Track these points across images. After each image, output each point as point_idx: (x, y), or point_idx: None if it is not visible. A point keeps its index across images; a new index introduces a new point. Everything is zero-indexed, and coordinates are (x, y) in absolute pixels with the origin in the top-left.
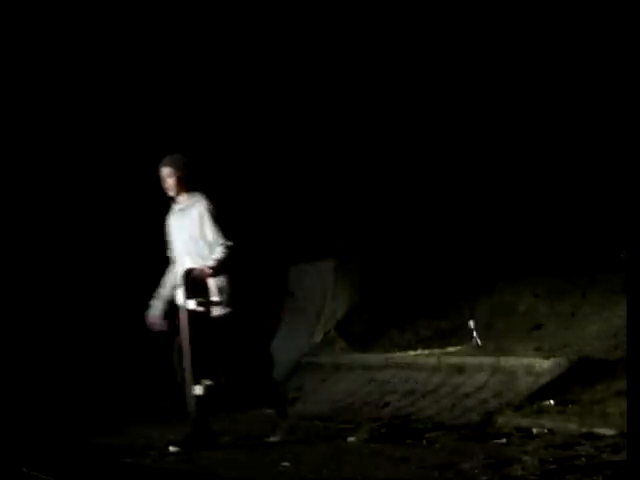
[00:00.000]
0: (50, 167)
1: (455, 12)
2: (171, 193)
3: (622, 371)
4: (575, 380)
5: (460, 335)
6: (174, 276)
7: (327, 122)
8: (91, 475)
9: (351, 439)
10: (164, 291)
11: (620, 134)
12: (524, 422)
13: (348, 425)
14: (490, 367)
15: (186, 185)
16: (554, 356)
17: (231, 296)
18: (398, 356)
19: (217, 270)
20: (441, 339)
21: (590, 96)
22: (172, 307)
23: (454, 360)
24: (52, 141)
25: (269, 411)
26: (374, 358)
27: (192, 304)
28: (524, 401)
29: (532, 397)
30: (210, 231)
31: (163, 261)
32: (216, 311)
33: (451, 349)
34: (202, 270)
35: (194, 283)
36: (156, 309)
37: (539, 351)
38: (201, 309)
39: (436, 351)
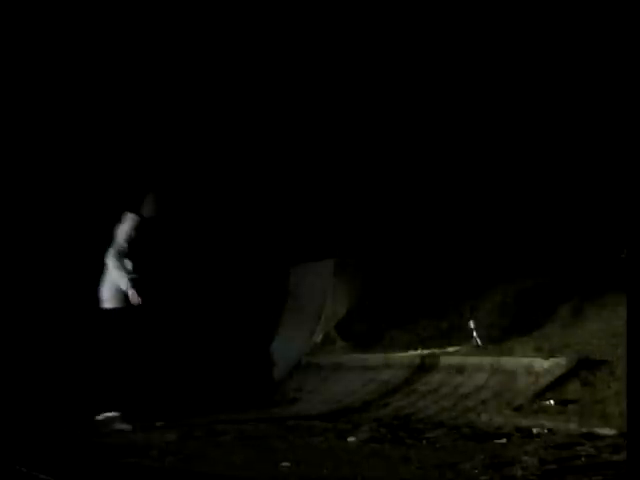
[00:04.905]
0: (50, 168)
1: (455, 12)
2: None
3: (622, 371)
4: (575, 380)
5: (460, 335)
6: None
7: (328, 122)
8: (91, 475)
9: (351, 439)
10: None
11: (619, 134)
12: (524, 422)
13: (348, 425)
14: (490, 367)
15: None
16: (554, 356)
17: None
18: (398, 356)
19: None
20: (441, 339)
21: (589, 97)
22: None
23: (454, 360)
24: (51, 142)
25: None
26: (374, 358)
27: None
28: (524, 401)
29: (532, 397)
30: None
31: (161, 261)
32: None
33: (451, 349)
34: None
35: None
36: None
37: (539, 351)
38: None
39: (436, 351)
